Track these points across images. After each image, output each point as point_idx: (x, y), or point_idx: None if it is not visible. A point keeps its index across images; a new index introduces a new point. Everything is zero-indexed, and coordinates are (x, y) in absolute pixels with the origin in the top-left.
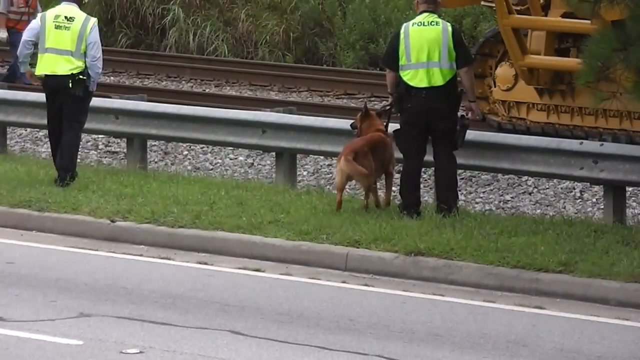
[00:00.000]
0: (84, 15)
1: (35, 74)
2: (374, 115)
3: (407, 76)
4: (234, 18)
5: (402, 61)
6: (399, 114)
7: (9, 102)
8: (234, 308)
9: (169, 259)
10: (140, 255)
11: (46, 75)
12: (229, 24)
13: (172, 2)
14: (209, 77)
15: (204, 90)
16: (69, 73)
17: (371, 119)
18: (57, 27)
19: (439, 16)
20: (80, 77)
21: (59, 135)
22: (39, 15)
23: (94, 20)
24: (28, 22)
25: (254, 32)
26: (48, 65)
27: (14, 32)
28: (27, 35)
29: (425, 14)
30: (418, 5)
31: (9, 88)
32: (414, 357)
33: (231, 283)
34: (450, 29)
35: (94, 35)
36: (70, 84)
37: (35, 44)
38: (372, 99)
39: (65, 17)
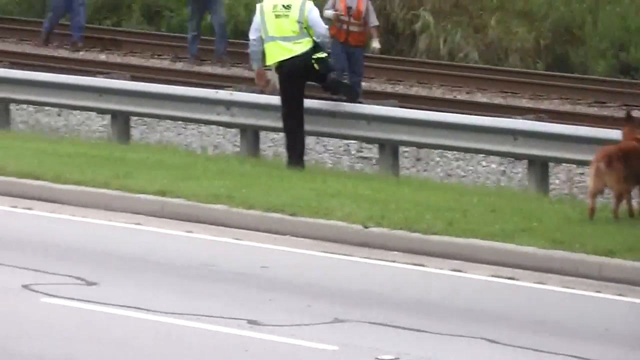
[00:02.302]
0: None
1: (267, 63)
2: (637, 123)
3: None
4: (484, 25)
5: None
6: None
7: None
8: (488, 316)
9: (422, 265)
10: (394, 261)
11: (280, 61)
12: (479, 30)
13: (422, 8)
14: (460, 84)
15: (455, 97)
16: (303, 52)
17: (632, 126)
18: (277, 14)
19: None
20: (317, 55)
21: (300, 118)
22: (258, 7)
23: (309, 2)
24: None
25: (504, 39)
26: (278, 53)
27: None
28: (253, 35)
29: None
30: None
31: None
32: None
33: (484, 291)
34: None
35: (313, 16)
36: (314, 64)
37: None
38: (624, 108)
39: (284, 5)
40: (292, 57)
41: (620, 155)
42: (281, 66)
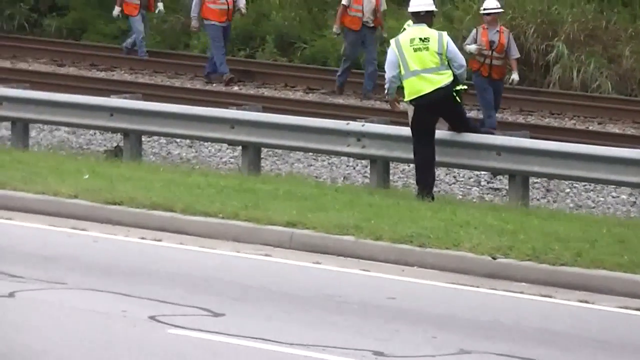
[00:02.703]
0: (435, 32)
1: (406, 100)
2: None
3: None
4: (618, 55)
5: None
6: None
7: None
8: (615, 347)
9: (550, 296)
10: (521, 292)
11: (421, 94)
12: (613, 60)
13: (556, 39)
14: (592, 114)
15: (587, 128)
16: (447, 84)
17: None
18: (415, 48)
19: None
20: (457, 87)
21: (432, 150)
22: (393, 43)
23: (446, 34)
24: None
25: (637, 69)
26: (419, 87)
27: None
28: (392, 71)
29: None
30: None
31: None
32: None
33: (612, 322)
34: None
35: (452, 47)
36: (454, 97)
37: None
38: None
39: (421, 39)
40: (436, 89)
41: None
42: (421, 97)
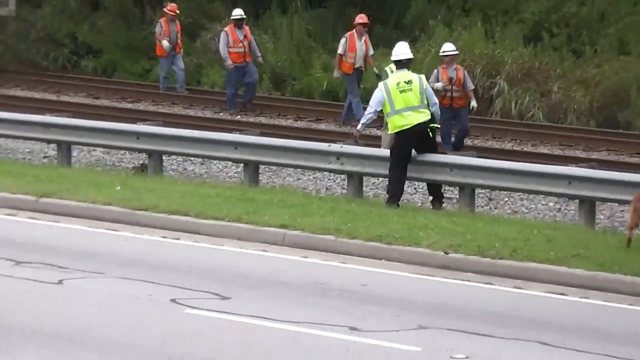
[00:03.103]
0: (415, 75)
1: (390, 132)
2: None
3: None
4: (549, 90)
5: None
6: None
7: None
8: (542, 324)
9: (491, 284)
10: (468, 280)
11: (404, 128)
12: (544, 94)
13: (498, 77)
14: (527, 138)
15: (522, 149)
16: (425, 120)
17: None
18: (401, 90)
19: None
20: (432, 124)
21: (404, 169)
22: (381, 85)
23: (423, 77)
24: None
25: (564, 102)
26: (404, 121)
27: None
28: (376, 107)
29: None
30: None
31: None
32: None
33: (540, 304)
34: None
35: (429, 88)
36: (429, 132)
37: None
38: None
39: (405, 82)
40: (416, 124)
41: None
42: (403, 131)
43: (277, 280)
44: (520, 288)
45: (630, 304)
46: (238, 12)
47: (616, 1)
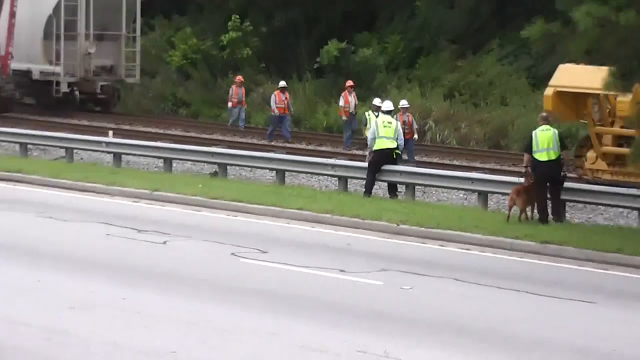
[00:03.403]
0: (395, 120)
1: (375, 149)
2: (528, 174)
3: (537, 154)
4: (459, 127)
5: (534, 147)
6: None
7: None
8: (456, 267)
9: (425, 243)
10: (411, 242)
11: (381, 149)
12: (456, 129)
13: (428, 119)
14: (446, 155)
15: (443, 162)
16: (394, 147)
17: (527, 176)
18: (384, 126)
19: (553, 126)
20: (397, 150)
21: (375, 174)
22: (373, 122)
23: (396, 121)
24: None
25: (469, 134)
26: (383, 145)
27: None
28: (372, 135)
29: (544, 126)
30: (540, 121)
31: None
32: None
33: (455, 256)
34: (556, 132)
35: (399, 128)
36: (394, 154)
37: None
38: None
39: (386, 123)
40: (390, 148)
41: (522, 190)
42: (382, 150)
43: (295, 241)
44: (443, 246)
45: (510, 256)
46: (282, 84)
47: (499, 73)
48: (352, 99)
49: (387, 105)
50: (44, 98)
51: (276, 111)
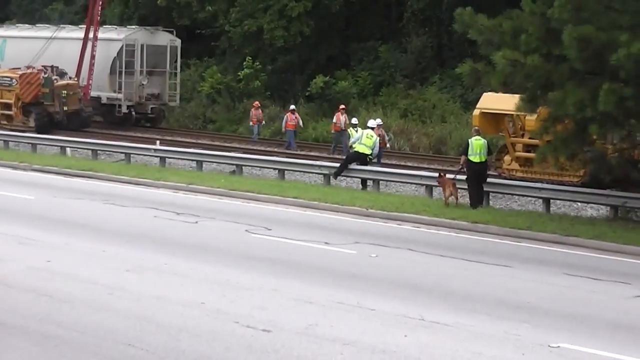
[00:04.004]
0: (375, 136)
1: (354, 150)
2: (444, 174)
3: (472, 157)
4: (410, 137)
5: (470, 151)
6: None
7: None
8: (410, 241)
9: (387, 223)
10: (377, 222)
11: (358, 152)
12: (409, 139)
13: (389, 132)
14: (401, 160)
15: (400, 164)
16: (368, 153)
17: (444, 173)
18: (367, 137)
19: (483, 137)
20: (369, 156)
21: (345, 168)
22: (359, 132)
23: (378, 138)
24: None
25: (417, 143)
26: (361, 149)
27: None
28: (356, 140)
29: (477, 136)
30: (473, 133)
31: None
32: None
33: (409, 232)
34: (486, 141)
35: (376, 141)
36: (367, 158)
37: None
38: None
39: (369, 135)
40: (365, 153)
41: (447, 181)
42: (358, 152)
43: (293, 222)
44: (400, 225)
45: (448, 232)
46: (292, 106)
47: (439, 99)
48: (343, 118)
49: (371, 123)
50: (110, 117)
51: (288, 128)
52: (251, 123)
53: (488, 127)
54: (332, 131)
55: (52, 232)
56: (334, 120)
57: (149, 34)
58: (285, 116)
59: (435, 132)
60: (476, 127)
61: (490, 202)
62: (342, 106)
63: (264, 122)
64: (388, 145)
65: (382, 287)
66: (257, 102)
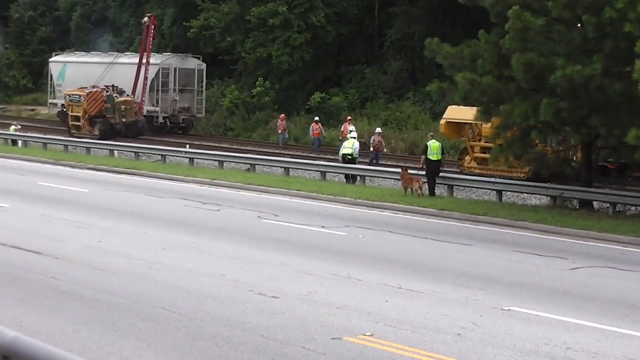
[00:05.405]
0: (356, 141)
1: (342, 153)
2: (407, 169)
3: (430, 156)
4: (390, 142)
5: (428, 152)
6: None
7: None
8: (390, 224)
9: (368, 210)
10: (363, 210)
11: (345, 153)
12: (389, 144)
13: (372, 137)
14: (388, 160)
15: (386, 164)
16: (349, 153)
17: (406, 168)
18: (349, 141)
19: (438, 140)
20: (352, 156)
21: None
22: (352, 140)
23: (358, 144)
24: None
25: (395, 146)
26: (345, 151)
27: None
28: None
29: (433, 140)
30: (429, 137)
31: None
32: None
33: (389, 218)
34: (441, 144)
35: (356, 145)
36: (352, 158)
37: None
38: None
39: (352, 139)
40: (349, 153)
41: (411, 176)
42: (345, 155)
43: (296, 209)
44: (382, 212)
45: (420, 217)
46: (316, 118)
47: (413, 111)
48: (350, 127)
49: (353, 134)
50: (149, 125)
51: (314, 135)
52: (279, 132)
53: (452, 133)
54: (340, 138)
55: (103, 218)
56: (342, 129)
57: (180, 60)
58: (311, 126)
59: (409, 137)
60: (432, 133)
61: (454, 193)
62: (349, 118)
63: (287, 131)
64: (385, 149)
65: (368, 261)
66: (282, 115)
